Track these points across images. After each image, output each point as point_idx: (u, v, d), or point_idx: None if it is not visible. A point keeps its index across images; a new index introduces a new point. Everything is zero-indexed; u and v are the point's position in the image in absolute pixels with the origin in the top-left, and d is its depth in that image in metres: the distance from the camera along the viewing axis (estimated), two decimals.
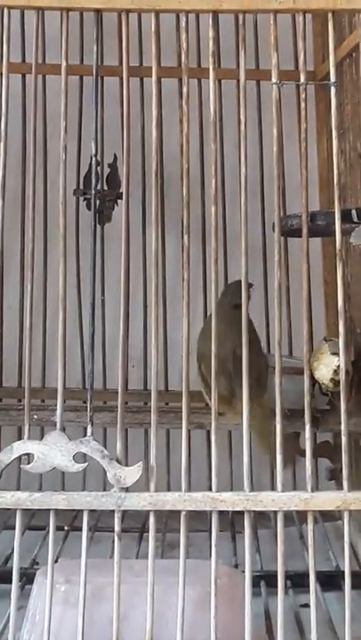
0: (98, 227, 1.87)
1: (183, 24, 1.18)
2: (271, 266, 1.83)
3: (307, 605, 1.23)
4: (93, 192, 1.37)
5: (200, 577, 1.16)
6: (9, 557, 1.57)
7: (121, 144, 1.21)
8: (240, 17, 1.18)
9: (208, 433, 1.74)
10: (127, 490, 1.15)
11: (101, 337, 1.93)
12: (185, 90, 1.19)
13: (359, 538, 1.66)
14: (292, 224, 1.42)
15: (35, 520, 1.65)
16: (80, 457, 1.15)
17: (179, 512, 1.15)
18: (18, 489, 1.17)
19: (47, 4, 1.19)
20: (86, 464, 1.16)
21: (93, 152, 1.25)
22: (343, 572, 1.16)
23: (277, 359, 1.17)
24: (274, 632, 1.22)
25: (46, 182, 1.93)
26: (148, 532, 1.16)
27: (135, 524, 1.68)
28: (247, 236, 1.17)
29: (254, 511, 1.15)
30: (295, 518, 1.74)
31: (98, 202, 1.81)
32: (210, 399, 1.40)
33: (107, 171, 1.88)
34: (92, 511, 1.16)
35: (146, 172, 1.93)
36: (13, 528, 1.17)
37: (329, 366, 1.46)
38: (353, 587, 1.16)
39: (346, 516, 1.15)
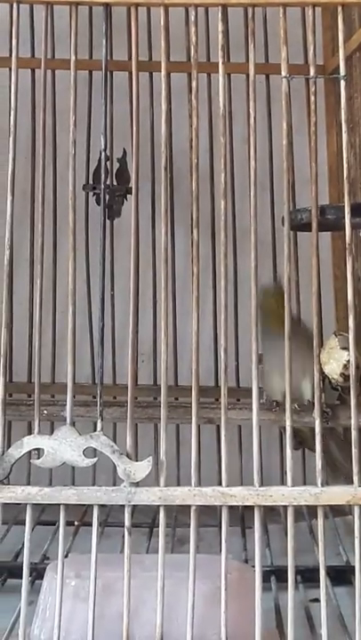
0: (107, 222, 1.87)
1: (192, 18, 1.18)
2: (281, 260, 1.83)
3: (317, 600, 1.23)
4: (103, 187, 1.37)
5: (210, 572, 1.16)
6: (19, 552, 1.57)
7: (130, 139, 1.21)
8: (249, 10, 1.18)
9: (218, 428, 1.75)
10: (137, 485, 1.15)
11: (111, 332, 1.94)
12: (194, 84, 1.18)
13: None
14: (302, 218, 1.41)
15: (45, 515, 1.65)
16: (90, 452, 1.15)
17: (189, 507, 1.15)
18: (28, 484, 1.18)
19: None
20: (96, 459, 1.16)
21: (103, 147, 1.25)
22: (353, 567, 1.16)
23: (287, 354, 1.16)
24: (284, 627, 1.22)
25: (56, 177, 1.93)
26: (158, 526, 1.16)
27: (145, 518, 1.69)
28: (257, 231, 1.17)
29: (264, 506, 1.15)
30: (305, 513, 1.75)
31: (107, 197, 1.81)
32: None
33: (116, 166, 1.87)
34: (102, 506, 1.16)
35: (155, 167, 1.93)
36: (23, 523, 1.17)
37: (339, 361, 1.46)
38: None
39: (356, 510, 1.14)
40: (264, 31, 1.91)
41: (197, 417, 1.16)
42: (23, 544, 1.18)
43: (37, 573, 1.41)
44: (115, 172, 1.87)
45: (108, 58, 1.28)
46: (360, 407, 1.20)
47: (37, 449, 1.16)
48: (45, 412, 1.48)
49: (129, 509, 1.15)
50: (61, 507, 1.16)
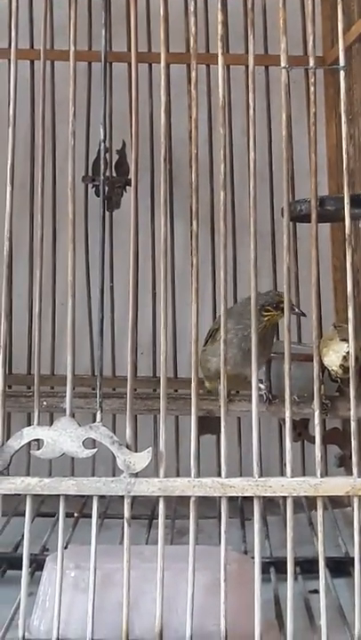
0: (107, 213, 1.86)
1: (192, 8, 1.18)
2: (280, 251, 1.83)
3: (316, 591, 1.23)
4: (102, 178, 1.37)
5: (210, 563, 1.17)
6: (19, 544, 1.57)
7: (129, 130, 1.20)
8: (249, 1, 1.18)
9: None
10: (137, 475, 1.15)
11: (110, 324, 1.93)
12: (193, 75, 1.18)
13: None
14: (301, 209, 1.41)
15: (44, 507, 1.65)
16: (89, 443, 1.15)
17: (188, 498, 1.15)
18: (28, 475, 1.18)
19: None
20: (96, 450, 1.16)
21: (102, 138, 1.25)
22: (353, 559, 1.16)
23: (286, 345, 1.16)
24: (283, 618, 1.22)
25: (55, 169, 1.92)
26: (157, 518, 1.16)
27: (145, 510, 1.69)
28: (256, 222, 1.17)
29: (264, 497, 1.15)
30: (304, 505, 1.75)
31: (107, 188, 1.81)
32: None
33: (115, 157, 1.87)
34: (101, 497, 1.16)
35: (154, 158, 1.93)
36: (23, 514, 1.17)
37: (338, 352, 1.46)
38: None
39: (355, 501, 1.15)
40: (263, 23, 1.91)
41: (197, 408, 1.16)
42: (23, 535, 1.18)
43: (37, 564, 1.41)
44: (114, 163, 1.87)
45: (108, 49, 1.27)
46: (359, 399, 1.20)
47: (37, 440, 1.16)
48: (45, 403, 1.48)
49: (128, 500, 1.15)
50: (61, 497, 1.16)
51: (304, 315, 1.48)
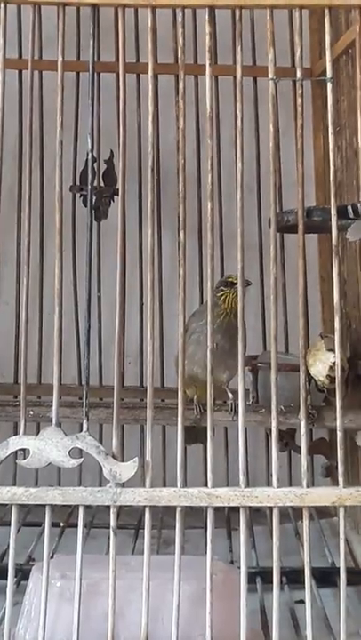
0: (94, 223, 1.86)
1: (180, 19, 1.18)
2: (267, 262, 1.82)
3: (302, 601, 1.23)
4: (90, 188, 1.37)
5: (196, 573, 1.17)
6: (5, 553, 1.57)
7: (117, 140, 1.21)
8: (236, 12, 1.18)
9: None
10: (123, 485, 1.15)
11: (97, 333, 1.94)
12: (181, 85, 1.19)
13: (354, 534, 1.66)
14: (288, 220, 1.42)
15: (30, 517, 1.65)
16: (76, 452, 1.15)
17: (174, 509, 1.15)
18: (14, 484, 1.17)
19: None
20: (82, 459, 1.16)
21: (90, 148, 1.25)
22: (339, 569, 1.16)
23: (273, 355, 1.17)
24: (269, 627, 1.22)
25: (43, 178, 1.93)
26: (143, 528, 1.16)
27: (131, 520, 1.69)
28: (243, 232, 1.17)
29: (250, 508, 1.15)
30: (291, 515, 1.75)
31: (94, 198, 1.81)
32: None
33: (103, 167, 1.87)
34: (87, 507, 1.16)
35: (142, 169, 1.93)
36: (9, 524, 1.17)
37: (325, 363, 1.46)
38: (348, 583, 1.16)
39: (341, 511, 1.15)
40: (251, 34, 1.92)
41: (184, 418, 1.16)
42: (9, 545, 1.18)
43: (23, 574, 1.41)
44: (102, 173, 1.87)
45: (96, 59, 1.28)
46: (346, 409, 1.20)
47: (23, 449, 1.16)
48: (31, 412, 1.48)
49: (114, 510, 1.15)
50: (47, 507, 1.16)
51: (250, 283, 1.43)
